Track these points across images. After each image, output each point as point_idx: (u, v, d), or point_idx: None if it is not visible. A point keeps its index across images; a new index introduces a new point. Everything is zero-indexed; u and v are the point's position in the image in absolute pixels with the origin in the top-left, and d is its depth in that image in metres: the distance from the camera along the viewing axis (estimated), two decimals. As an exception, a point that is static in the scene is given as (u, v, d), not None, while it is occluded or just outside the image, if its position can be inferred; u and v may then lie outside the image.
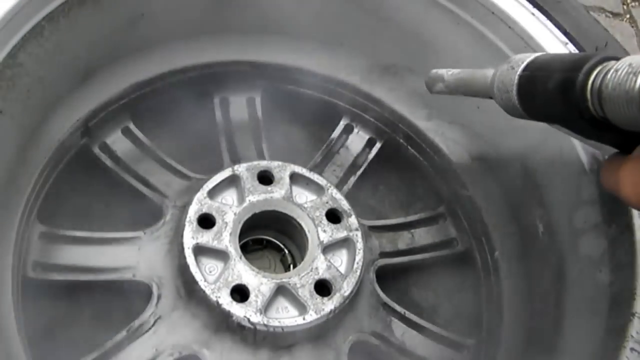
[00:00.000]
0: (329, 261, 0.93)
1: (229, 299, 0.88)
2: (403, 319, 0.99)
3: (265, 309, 0.88)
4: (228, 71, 1.12)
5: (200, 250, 0.91)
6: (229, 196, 0.98)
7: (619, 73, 0.52)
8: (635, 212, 0.82)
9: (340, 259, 0.96)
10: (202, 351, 0.88)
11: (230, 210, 0.95)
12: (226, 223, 0.93)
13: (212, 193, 0.96)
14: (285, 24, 1.09)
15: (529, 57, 0.65)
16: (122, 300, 0.93)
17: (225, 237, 0.92)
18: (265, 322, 0.87)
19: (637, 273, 0.78)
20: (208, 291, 0.88)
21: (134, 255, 0.95)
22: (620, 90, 0.52)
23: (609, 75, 0.54)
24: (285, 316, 0.89)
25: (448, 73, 0.78)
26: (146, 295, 0.92)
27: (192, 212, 0.93)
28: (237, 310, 0.87)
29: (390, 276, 1.05)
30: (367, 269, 0.99)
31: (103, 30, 0.94)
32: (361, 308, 0.96)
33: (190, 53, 1.08)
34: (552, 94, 0.59)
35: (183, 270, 0.90)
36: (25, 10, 0.83)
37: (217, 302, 0.87)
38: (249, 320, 0.86)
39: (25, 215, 0.91)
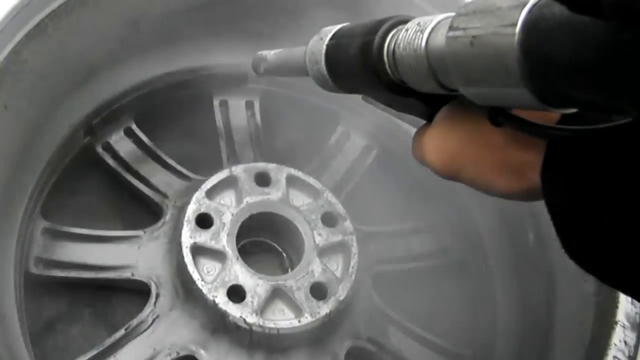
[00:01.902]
0: (325, 265, 0.95)
1: (226, 299, 0.89)
2: (400, 326, 1.00)
3: (262, 310, 0.90)
4: (228, 74, 1.13)
5: (198, 250, 0.93)
6: (227, 197, 1.00)
7: (409, 32, 0.51)
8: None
9: (336, 262, 0.97)
10: (200, 352, 0.90)
11: (228, 210, 0.97)
12: (224, 223, 0.95)
13: (210, 193, 0.98)
14: (285, 29, 1.10)
15: (336, 27, 0.63)
16: (121, 298, 0.95)
17: (223, 238, 0.94)
18: (261, 324, 0.88)
19: (623, 284, 0.80)
20: (205, 291, 0.89)
21: (134, 254, 0.96)
22: (409, 49, 0.50)
23: (400, 35, 0.52)
24: (281, 318, 0.91)
25: (271, 53, 0.75)
26: (145, 294, 0.93)
27: (191, 212, 0.95)
28: (234, 310, 0.89)
29: (386, 283, 1.07)
30: (364, 275, 1.01)
31: (105, 29, 0.95)
32: (357, 313, 0.98)
33: (192, 55, 1.09)
34: (353, 59, 0.57)
35: (181, 270, 0.92)
36: (29, 7, 0.84)
37: (214, 302, 0.89)
38: (245, 320, 0.88)
39: (28, 210, 0.93)
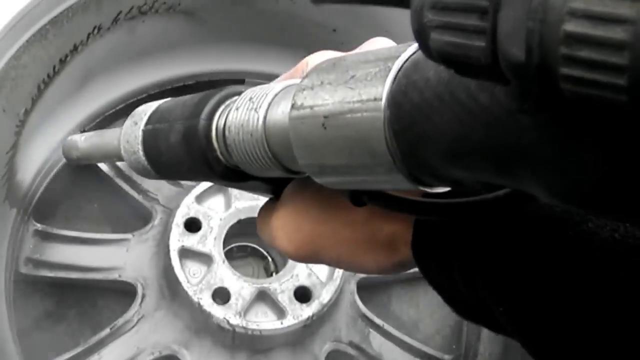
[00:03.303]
0: (310, 269, 0.96)
1: (210, 300, 0.90)
2: (381, 331, 1.01)
3: (245, 312, 0.91)
4: (222, 80, 1.16)
5: (185, 253, 0.94)
6: (216, 202, 1.01)
7: (240, 112, 0.43)
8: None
9: (321, 267, 0.98)
10: (182, 351, 0.91)
11: (217, 215, 0.98)
12: (212, 228, 0.97)
13: (199, 198, 0.99)
14: (281, 35, 1.13)
15: (152, 106, 0.55)
16: (108, 299, 0.97)
17: (210, 241, 0.95)
18: (244, 325, 0.89)
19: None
20: (190, 292, 0.91)
21: (122, 257, 0.98)
22: (243, 132, 0.42)
23: (230, 117, 0.44)
24: (264, 320, 0.91)
25: (81, 138, 0.68)
26: (131, 295, 0.95)
27: (180, 216, 0.97)
28: (218, 312, 0.90)
29: (371, 288, 1.07)
30: (348, 280, 1.01)
31: (103, 35, 0.98)
32: (340, 317, 0.98)
33: (187, 61, 1.12)
34: (176, 147, 0.48)
35: (167, 272, 0.94)
36: (31, 13, 0.87)
37: (199, 304, 0.90)
38: (228, 322, 0.89)
39: (20, 212, 0.95)
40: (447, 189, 0.38)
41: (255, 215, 0.96)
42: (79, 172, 1.05)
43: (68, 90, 1.01)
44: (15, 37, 0.87)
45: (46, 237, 0.98)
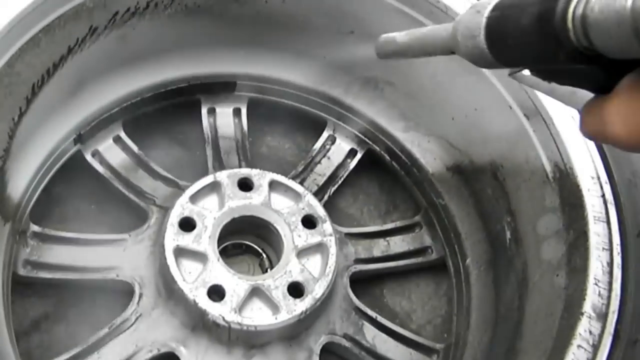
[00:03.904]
0: (303, 265, 0.98)
1: (206, 298, 0.92)
2: (374, 322, 1.03)
3: (240, 308, 0.92)
4: (215, 83, 1.17)
5: (180, 252, 0.96)
6: (210, 201, 1.03)
7: None
8: (591, 218, 0.85)
9: (314, 263, 1.00)
10: (180, 348, 0.93)
11: (211, 214, 1.00)
12: (206, 226, 0.98)
13: (194, 198, 1.01)
14: (270, 37, 1.14)
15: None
16: (106, 298, 0.99)
17: (205, 240, 0.97)
18: (239, 321, 0.91)
19: (589, 275, 0.81)
20: (186, 290, 0.92)
21: (119, 256, 1.00)
22: (609, 11, 0.46)
23: (593, 0, 0.48)
24: (259, 316, 0.93)
25: (400, 34, 0.72)
26: (129, 294, 0.97)
27: (174, 216, 0.98)
28: (213, 309, 0.91)
29: (365, 282, 1.09)
30: (341, 274, 1.03)
31: (95, 43, 0.99)
32: (333, 311, 1.00)
33: (180, 65, 1.14)
34: (528, 28, 0.53)
35: (164, 271, 0.95)
36: (24, 21, 0.89)
37: (194, 301, 0.91)
38: (223, 318, 0.91)
39: (18, 215, 0.97)
40: None
41: (248, 213, 1.01)
42: (76, 174, 1.08)
43: (62, 95, 1.03)
44: (7, 44, 0.88)
45: (44, 238, 1.00)
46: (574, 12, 0.49)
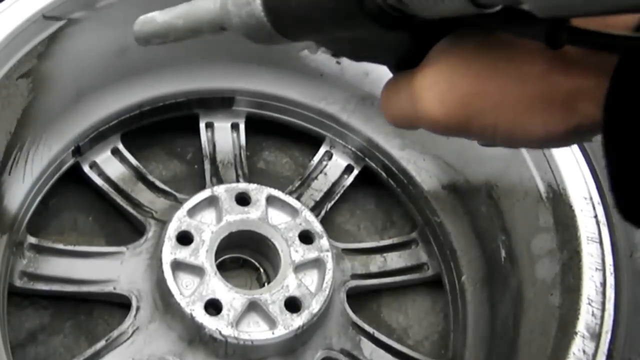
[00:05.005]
0: (300, 280, 0.98)
1: (203, 312, 0.92)
2: (372, 338, 1.03)
3: (237, 323, 0.93)
4: (213, 98, 1.18)
5: (177, 266, 0.96)
6: (208, 215, 1.03)
7: None
8: (584, 238, 0.87)
9: (311, 278, 1.01)
10: (176, 362, 0.93)
11: (208, 228, 1.00)
12: (203, 240, 0.99)
13: (191, 212, 1.02)
14: (269, 55, 1.15)
15: None
16: (103, 311, 0.99)
17: (202, 254, 0.98)
18: (236, 335, 0.91)
19: (582, 295, 0.83)
20: (183, 304, 0.93)
21: (116, 269, 1.00)
22: None
23: None
24: (256, 330, 0.94)
25: (162, 12, 0.58)
26: (126, 307, 0.97)
27: (172, 229, 0.99)
28: (210, 323, 0.92)
29: (361, 297, 1.10)
30: (338, 290, 1.04)
31: (94, 57, 1.00)
32: (330, 326, 1.01)
33: (178, 80, 1.15)
34: None
35: (161, 284, 0.96)
36: (22, 35, 0.90)
37: (191, 315, 0.92)
38: (220, 332, 0.91)
39: (15, 226, 0.97)
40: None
41: (245, 228, 1.02)
42: (74, 186, 1.08)
43: (61, 107, 1.03)
44: (7, 56, 0.89)
45: (41, 250, 1.00)
46: None
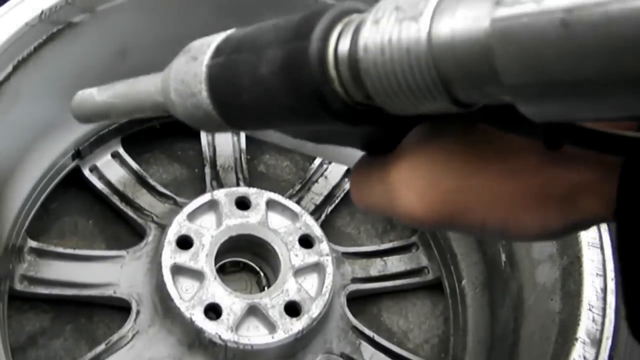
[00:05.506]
0: (300, 284, 0.98)
1: (202, 316, 0.92)
2: (372, 342, 1.03)
3: (237, 327, 0.93)
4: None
5: (177, 270, 0.96)
6: (208, 219, 1.03)
7: (383, 25, 0.33)
8: (584, 243, 0.86)
9: (311, 282, 1.00)
10: (176, 366, 0.93)
11: (208, 232, 1.00)
12: (203, 245, 0.99)
13: (191, 216, 1.01)
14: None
15: (216, 38, 0.43)
16: (103, 314, 0.99)
17: (202, 258, 0.98)
18: (236, 340, 0.91)
19: (582, 301, 0.82)
20: (183, 308, 0.93)
21: (116, 273, 1.00)
22: (394, 50, 0.32)
23: (363, 34, 0.33)
24: (255, 334, 0.94)
25: (101, 89, 0.54)
26: (126, 311, 0.97)
27: (172, 234, 0.99)
28: (210, 327, 0.92)
29: (362, 301, 1.10)
30: (338, 293, 1.04)
31: (93, 59, 1.00)
32: (330, 330, 1.01)
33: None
34: (269, 81, 0.37)
35: (160, 288, 0.96)
36: (23, 38, 0.90)
37: (191, 319, 0.92)
38: (220, 337, 0.91)
39: (15, 229, 0.97)
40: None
41: (245, 232, 1.02)
42: (74, 189, 1.08)
43: (61, 110, 1.03)
44: (6, 60, 0.89)
45: (41, 254, 1.00)
46: (335, 55, 0.35)
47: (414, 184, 0.39)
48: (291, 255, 1.01)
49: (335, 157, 0.46)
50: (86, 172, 1.10)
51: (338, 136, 0.43)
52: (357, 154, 0.44)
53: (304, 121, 0.38)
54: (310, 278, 1.01)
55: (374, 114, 0.36)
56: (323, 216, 1.14)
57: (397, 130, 0.40)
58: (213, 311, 0.94)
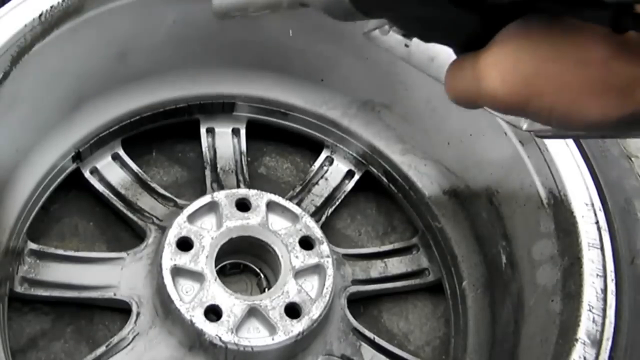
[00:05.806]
0: (300, 286, 0.98)
1: (203, 318, 0.92)
2: (372, 344, 1.03)
3: (237, 328, 0.93)
4: (214, 103, 1.18)
5: (177, 272, 0.96)
6: (208, 221, 1.03)
7: None
8: (585, 244, 0.86)
9: (312, 284, 1.00)
10: (176, 368, 0.93)
11: (208, 234, 1.00)
12: (203, 246, 0.99)
13: (191, 218, 1.02)
14: (270, 60, 1.16)
15: None
16: (103, 316, 0.99)
17: (202, 260, 0.97)
18: (236, 342, 0.91)
19: (583, 302, 0.82)
20: (183, 310, 0.93)
21: (117, 275, 1.00)
22: None
23: None
24: (256, 336, 0.93)
25: None
26: (126, 313, 0.97)
27: (172, 235, 0.99)
28: (210, 329, 0.92)
29: (362, 303, 1.10)
30: (339, 295, 1.04)
31: (94, 62, 1.00)
32: (331, 332, 1.00)
33: (179, 85, 1.15)
34: None
35: (161, 290, 0.96)
36: (24, 39, 0.90)
37: (191, 321, 0.92)
38: (220, 339, 0.91)
39: (15, 232, 0.97)
40: None
41: (246, 234, 1.02)
42: (74, 191, 1.08)
43: (61, 112, 1.03)
44: (6, 61, 0.89)
45: (41, 256, 1.00)
46: None
47: (500, 66, 0.45)
48: (291, 257, 1.01)
49: (427, 68, 0.56)
50: (86, 173, 1.10)
51: (444, 31, 0.48)
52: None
53: (420, 2, 0.45)
54: (310, 280, 1.01)
55: (478, 1, 0.43)
56: (323, 218, 1.14)
57: (493, 26, 0.46)
58: (213, 313, 0.94)
